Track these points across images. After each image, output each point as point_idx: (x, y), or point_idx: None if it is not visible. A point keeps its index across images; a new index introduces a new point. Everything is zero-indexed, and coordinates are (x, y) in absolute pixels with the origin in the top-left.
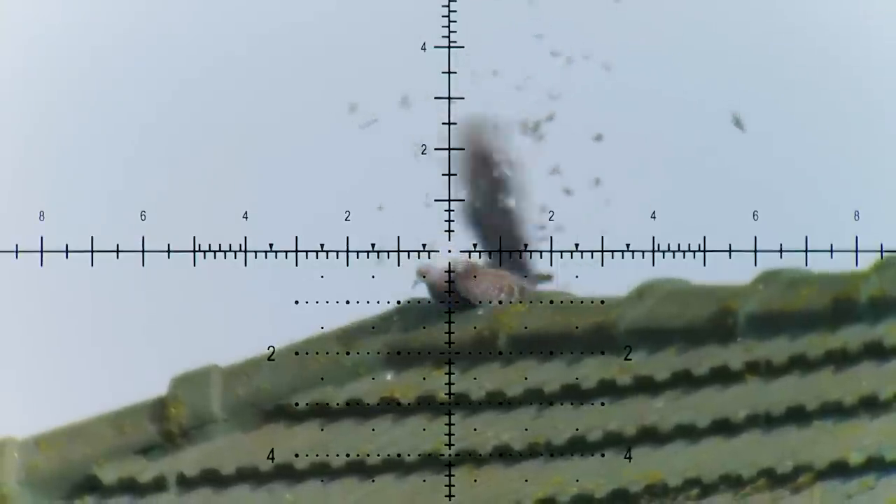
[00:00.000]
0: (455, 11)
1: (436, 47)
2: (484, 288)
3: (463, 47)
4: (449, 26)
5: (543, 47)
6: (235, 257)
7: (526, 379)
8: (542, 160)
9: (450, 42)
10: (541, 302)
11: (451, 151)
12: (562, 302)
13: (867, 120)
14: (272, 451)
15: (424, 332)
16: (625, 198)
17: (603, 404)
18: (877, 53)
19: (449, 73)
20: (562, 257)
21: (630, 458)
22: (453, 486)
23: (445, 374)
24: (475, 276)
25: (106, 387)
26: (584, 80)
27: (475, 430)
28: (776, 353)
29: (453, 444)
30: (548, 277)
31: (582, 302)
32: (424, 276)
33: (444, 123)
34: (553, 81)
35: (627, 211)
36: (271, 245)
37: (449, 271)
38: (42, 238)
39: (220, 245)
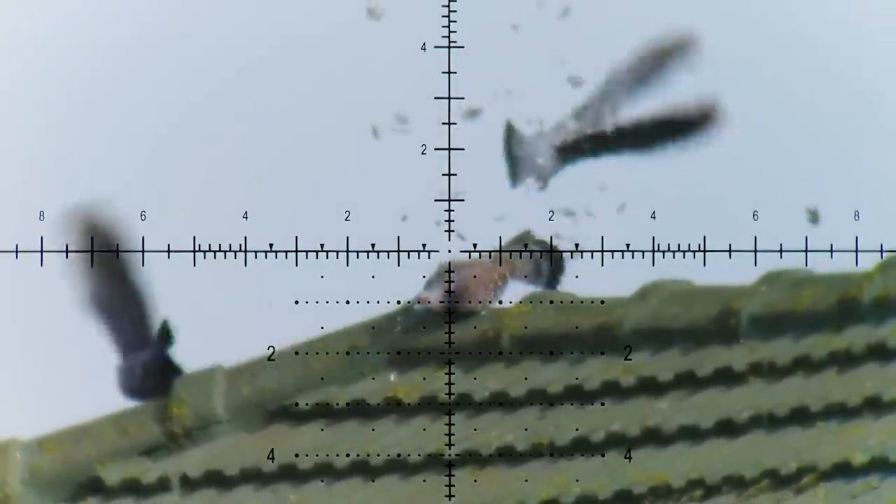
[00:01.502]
0: (455, 11)
1: (436, 47)
2: (481, 296)
3: (463, 47)
4: (449, 26)
5: (545, 49)
6: (235, 257)
7: (529, 379)
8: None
9: (450, 42)
10: (542, 302)
11: (451, 151)
12: (563, 302)
13: (867, 120)
14: (275, 451)
15: (427, 332)
16: (625, 198)
17: (603, 404)
18: (877, 53)
19: (449, 73)
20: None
21: (630, 458)
22: (453, 486)
23: (448, 374)
24: (470, 284)
25: (107, 386)
26: (586, 81)
27: (477, 430)
28: (780, 354)
29: (454, 444)
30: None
31: (584, 302)
32: (427, 304)
33: (444, 123)
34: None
35: (627, 211)
36: (271, 245)
37: (449, 271)
38: (42, 238)
39: (220, 245)
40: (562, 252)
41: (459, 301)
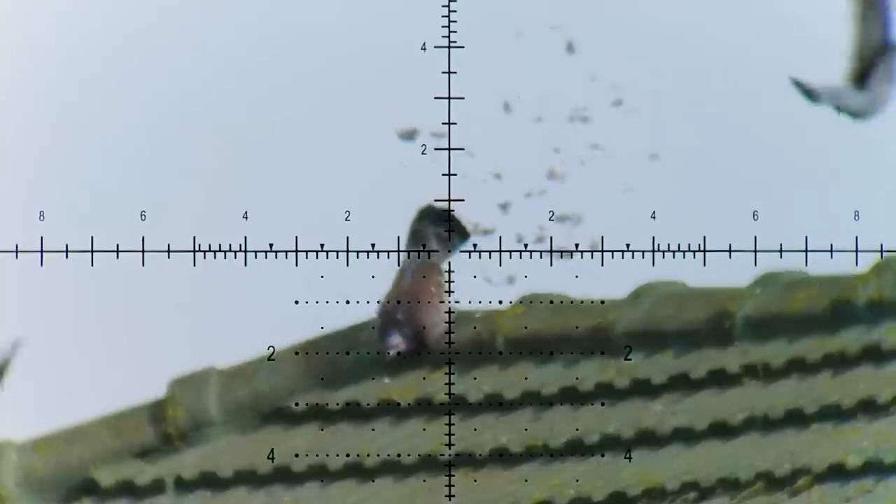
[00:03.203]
0: (455, 11)
1: (436, 47)
2: (429, 315)
3: (463, 47)
4: (449, 26)
5: (543, 46)
6: (235, 257)
7: (524, 380)
8: (543, 159)
9: (450, 42)
10: (536, 303)
11: (451, 151)
12: (558, 303)
13: (867, 119)
14: (271, 452)
15: None
16: (625, 197)
17: (603, 404)
18: None
19: (449, 73)
20: (562, 257)
21: (630, 459)
22: (453, 486)
23: (445, 374)
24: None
25: (105, 387)
26: (583, 79)
27: (474, 430)
28: (774, 356)
29: (453, 445)
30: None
31: (579, 302)
32: (398, 349)
33: (444, 123)
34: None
35: (627, 211)
36: (271, 245)
37: (449, 271)
38: (42, 238)
39: (220, 245)
40: (446, 212)
41: (417, 328)
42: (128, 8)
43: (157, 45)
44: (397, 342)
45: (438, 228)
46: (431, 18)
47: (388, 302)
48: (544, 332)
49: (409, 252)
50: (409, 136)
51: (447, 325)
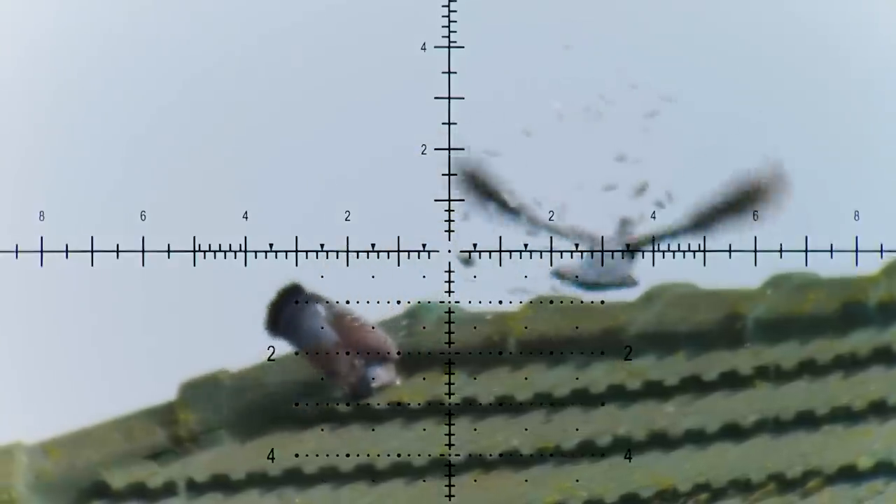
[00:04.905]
0: (455, 11)
1: (436, 47)
2: (380, 340)
3: (463, 47)
4: (449, 26)
5: (542, 45)
6: (235, 257)
7: (534, 383)
8: (542, 159)
9: (450, 42)
10: (547, 304)
11: (451, 151)
12: (569, 304)
13: (867, 120)
14: (281, 455)
15: (432, 335)
16: (625, 198)
17: (604, 404)
18: (877, 53)
19: (449, 73)
20: (562, 257)
21: (630, 459)
22: (453, 486)
23: (447, 374)
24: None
25: (104, 386)
26: (582, 78)
27: (482, 434)
28: (785, 358)
29: (454, 445)
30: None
31: (592, 303)
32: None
33: (444, 123)
34: (553, 80)
35: (627, 211)
36: (271, 245)
37: (449, 271)
38: (42, 238)
39: (220, 245)
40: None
41: (373, 357)
42: (129, 9)
43: (159, 44)
44: (379, 373)
45: (296, 298)
46: (431, 18)
47: (333, 362)
48: (555, 334)
49: (295, 337)
50: (468, 261)
51: (391, 339)
